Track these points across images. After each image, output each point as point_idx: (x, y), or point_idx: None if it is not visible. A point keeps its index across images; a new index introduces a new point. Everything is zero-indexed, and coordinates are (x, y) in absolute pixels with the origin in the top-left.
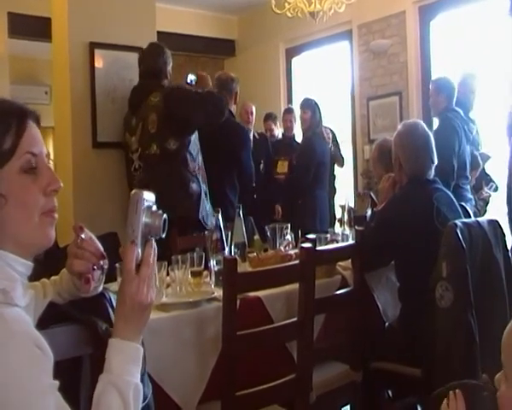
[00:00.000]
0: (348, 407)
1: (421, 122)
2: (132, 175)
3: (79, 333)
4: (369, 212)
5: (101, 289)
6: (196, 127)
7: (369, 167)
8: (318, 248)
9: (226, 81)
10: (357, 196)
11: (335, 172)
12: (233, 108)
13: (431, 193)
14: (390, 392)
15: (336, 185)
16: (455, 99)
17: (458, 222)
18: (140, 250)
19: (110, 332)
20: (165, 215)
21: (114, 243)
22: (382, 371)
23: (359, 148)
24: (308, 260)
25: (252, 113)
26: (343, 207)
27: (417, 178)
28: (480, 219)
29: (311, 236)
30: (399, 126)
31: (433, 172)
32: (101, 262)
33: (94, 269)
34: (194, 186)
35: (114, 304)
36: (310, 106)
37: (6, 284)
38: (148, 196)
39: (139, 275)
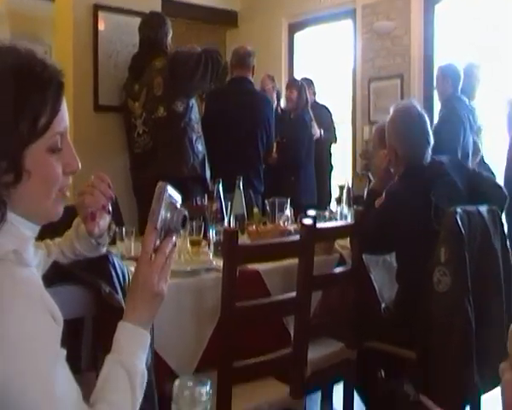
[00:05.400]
0: (342, 383)
1: (415, 103)
2: (135, 141)
3: (83, 294)
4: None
5: (105, 250)
6: (200, 86)
7: (368, 148)
8: (318, 225)
9: (243, 56)
10: (356, 176)
11: (332, 150)
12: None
13: (429, 186)
14: (383, 372)
15: (333, 163)
16: (460, 86)
17: (458, 209)
18: (159, 239)
19: (113, 295)
20: (185, 212)
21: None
22: (377, 351)
23: (359, 128)
24: (308, 237)
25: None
26: (342, 187)
27: (414, 167)
28: (480, 207)
29: (311, 212)
30: (391, 111)
31: (430, 153)
32: (109, 205)
33: (103, 208)
34: (199, 146)
35: (117, 267)
36: (296, 86)
37: (18, 244)
38: (173, 193)
39: (154, 261)
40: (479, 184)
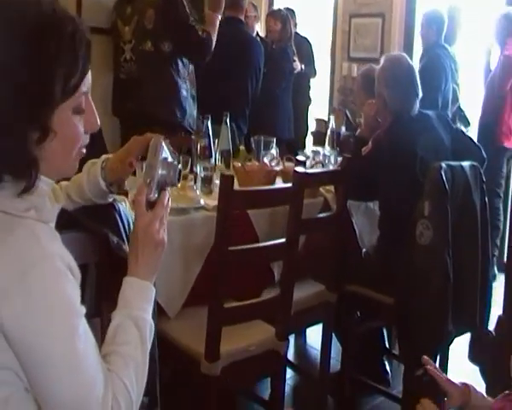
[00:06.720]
0: (321, 326)
1: (405, 55)
2: (121, 65)
3: (86, 240)
4: (343, 129)
5: (111, 199)
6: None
7: (346, 84)
8: (309, 171)
9: None
10: (333, 111)
11: (311, 84)
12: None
13: (416, 139)
14: (359, 314)
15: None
16: (444, 33)
17: (443, 164)
18: (156, 192)
19: (121, 246)
20: (179, 166)
21: (98, 136)
22: (356, 295)
23: (338, 64)
24: (301, 184)
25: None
26: (319, 121)
27: (402, 118)
28: (463, 163)
29: (301, 157)
30: (382, 60)
31: (417, 105)
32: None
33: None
34: (183, 92)
35: (123, 215)
36: (281, 17)
37: (38, 200)
38: (166, 147)
39: (154, 212)
40: (460, 143)
